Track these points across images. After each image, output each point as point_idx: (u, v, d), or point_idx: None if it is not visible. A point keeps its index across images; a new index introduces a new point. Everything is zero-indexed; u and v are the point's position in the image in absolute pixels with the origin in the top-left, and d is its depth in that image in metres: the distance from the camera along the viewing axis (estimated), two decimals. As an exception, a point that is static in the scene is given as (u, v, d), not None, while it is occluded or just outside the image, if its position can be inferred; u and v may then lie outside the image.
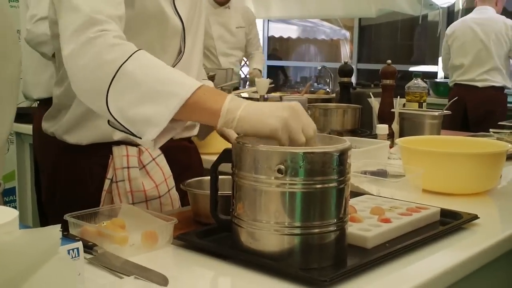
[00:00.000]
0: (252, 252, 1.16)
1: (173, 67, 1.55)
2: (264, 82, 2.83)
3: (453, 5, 6.81)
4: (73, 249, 0.94)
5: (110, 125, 1.31)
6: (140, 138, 1.24)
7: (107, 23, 1.29)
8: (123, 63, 1.23)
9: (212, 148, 1.86)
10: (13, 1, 4.42)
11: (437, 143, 1.95)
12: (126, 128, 1.26)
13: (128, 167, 1.58)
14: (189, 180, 1.53)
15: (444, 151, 1.80)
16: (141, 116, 1.22)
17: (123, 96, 1.23)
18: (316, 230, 1.14)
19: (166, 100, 1.20)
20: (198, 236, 1.29)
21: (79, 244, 0.97)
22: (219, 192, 1.28)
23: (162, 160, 1.63)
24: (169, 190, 1.64)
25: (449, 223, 1.43)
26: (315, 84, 7.56)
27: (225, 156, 1.24)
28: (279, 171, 1.10)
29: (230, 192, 1.22)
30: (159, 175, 1.62)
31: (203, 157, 1.87)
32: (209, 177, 1.30)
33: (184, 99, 1.19)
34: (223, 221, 1.27)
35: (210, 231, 1.32)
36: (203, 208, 1.42)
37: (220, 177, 1.28)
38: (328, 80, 6.71)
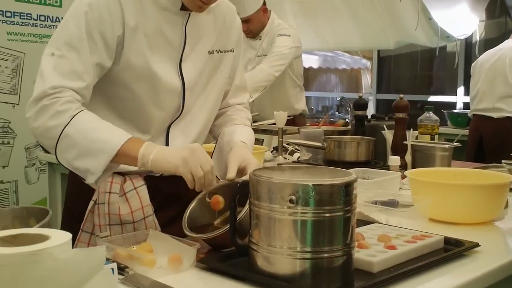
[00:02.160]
0: (267, 274, 1.28)
1: (172, 123, 1.81)
2: (282, 115, 2.95)
3: (471, 36, 6.92)
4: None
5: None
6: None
7: (62, 92, 1.59)
8: (64, 127, 1.57)
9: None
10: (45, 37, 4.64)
11: (445, 175, 2.06)
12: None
13: (110, 192, 1.77)
14: (186, 215, 1.63)
15: (449, 183, 1.91)
16: (82, 167, 1.59)
17: (67, 152, 1.59)
18: (325, 255, 1.26)
19: (98, 156, 1.56)
20: (219, 260, 1.42)
21: (114, 265, 1.10)
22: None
23: (142, 190, 1.80)
24: (144, 217, 1.79)
25: (452, 250, 1.54)
26: (336, 113, 7.66)
27: (243, 187, 1.37)
28: (291, 201, 1.23)
29: None
30: (137, 203, 1.78)
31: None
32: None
33: (111, 155, 1.56)
34: (241, 247, 1.40)
35: (229, 256, 1.45)
36: (217, 245, 1.55)
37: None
38: (348, 109, 6.83)
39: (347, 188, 1.27)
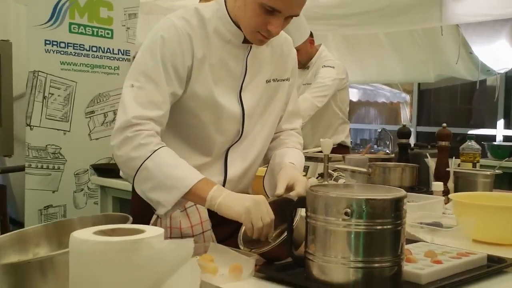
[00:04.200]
0: (323, 283, 1.38)
1: (231, 147, 1.95)
2: (328, 142, 3.05)
3: (511, 70, 6.97)
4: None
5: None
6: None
7: (144, 124, 1.73)
8: (145, 160, 1.71)
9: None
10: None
11: (487, 198, 2.14)
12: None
13: None
14: (241, 232, 1.75)
15: (492, 204, 1.99)
16: (155, 199, 1.72)
17: (144, 183, 1.73)
18: (377, 265, 1.35)
19: (172, 191, 1.69)
20: (276, 270, 1.53)
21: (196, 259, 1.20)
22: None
23: (202, 206, 1.89)
24: (203, 232, 1.91)
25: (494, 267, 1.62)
26: (375, 146, 7.71)
27: (301, 202, 1.49)
28: (346, 214, 1.34)
29: None
30: (196, 218, 1.91)
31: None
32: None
33: (183, 192, 1.68)
34: (298, 258, 1.50)
35: (285, 266, 1.55)
36: (271, 258, 1.65)
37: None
38: (387, 143, 6.88)
39: (398, 203, 1.37)
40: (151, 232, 0.95)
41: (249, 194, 2.07)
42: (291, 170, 1.87)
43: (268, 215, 1.63)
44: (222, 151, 1.95)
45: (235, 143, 1.95)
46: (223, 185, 1.94)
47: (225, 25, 1.86)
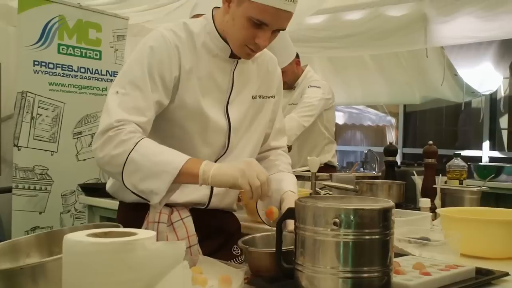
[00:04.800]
0: (312, 293, 1.39)
1: (217, 160, 1.96)
2: (315, 161, 3.07)
3: (496, 92, 7.05)
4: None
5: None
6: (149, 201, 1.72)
7: (126, 125, 1.73)
8: (129, 153, 1.70)
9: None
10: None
11: (474, 213, 2.16)
12: (139, 196, 1.73)
13: (158, 222, 1.90)
14: (244, 238, 1.77)
15: (479, 218, 2.01)
16: (147, 189, 1.70)
17: (133, 176, 1.71)
18: (366, 275, 1.36)
19: (162, 176, 1.67)
20: (266, 281, 1.53)
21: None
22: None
23: (188, 221, 1.94)
24: (190, 246, 1.92)
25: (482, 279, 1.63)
26: (361, 169, 7.72)
27: (289, 213, 1.50)
28: (335, 224, 1.35)
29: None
30: (183, 232, 1.92)
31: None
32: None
33: (174, 175, 1.67)
34: (287, 269, 1.51)
35: (275, 278, 1.55)
36: (262, 264, 1.66)
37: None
38: (374, 165, 6.90)
39: (386, 214, 1.39)
40: (144, 234, 0.96)
41: (234, 209, 2.10)
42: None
43: (263, 173, 1.66)
44: None
45: (221, 156, 1.97)
46: (209, 199, 1.97)
47: (212, 40, 1.89)
